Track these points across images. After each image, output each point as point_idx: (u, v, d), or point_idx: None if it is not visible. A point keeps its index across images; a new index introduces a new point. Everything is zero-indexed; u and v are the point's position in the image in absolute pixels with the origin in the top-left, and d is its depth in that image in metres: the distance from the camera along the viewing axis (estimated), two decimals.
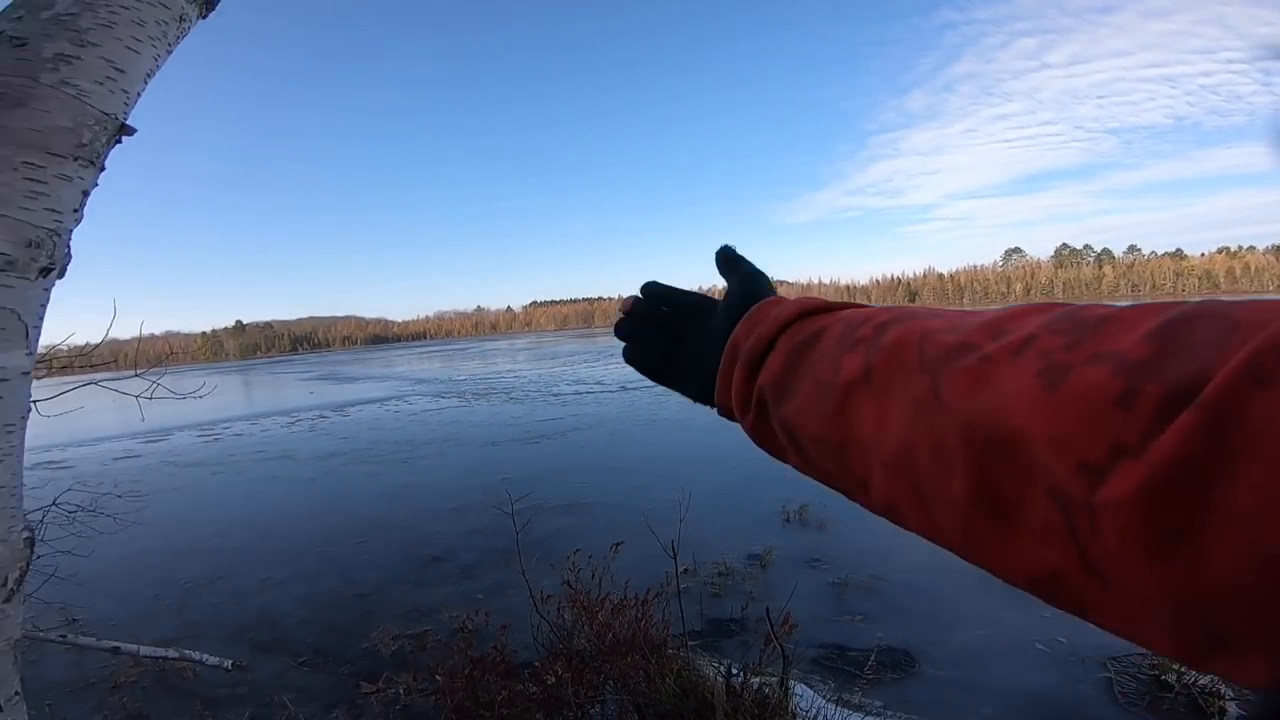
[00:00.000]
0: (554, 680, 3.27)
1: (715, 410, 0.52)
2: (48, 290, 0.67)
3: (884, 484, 0.34)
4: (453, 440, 13.95)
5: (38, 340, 0.67)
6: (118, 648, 4.18)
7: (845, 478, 0.38)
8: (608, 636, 3.55)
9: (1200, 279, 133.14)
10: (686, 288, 0.59)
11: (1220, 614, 0.21)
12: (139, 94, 0.71)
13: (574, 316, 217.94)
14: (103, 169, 0.68)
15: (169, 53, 0.73)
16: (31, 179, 0.61)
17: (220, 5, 0.82)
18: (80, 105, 0.63)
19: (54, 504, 4.06)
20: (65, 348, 3.63)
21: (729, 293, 0.54)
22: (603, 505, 8.33)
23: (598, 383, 23.82)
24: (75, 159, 0.63)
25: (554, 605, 3.95)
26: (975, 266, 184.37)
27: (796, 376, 0.41)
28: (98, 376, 3.70)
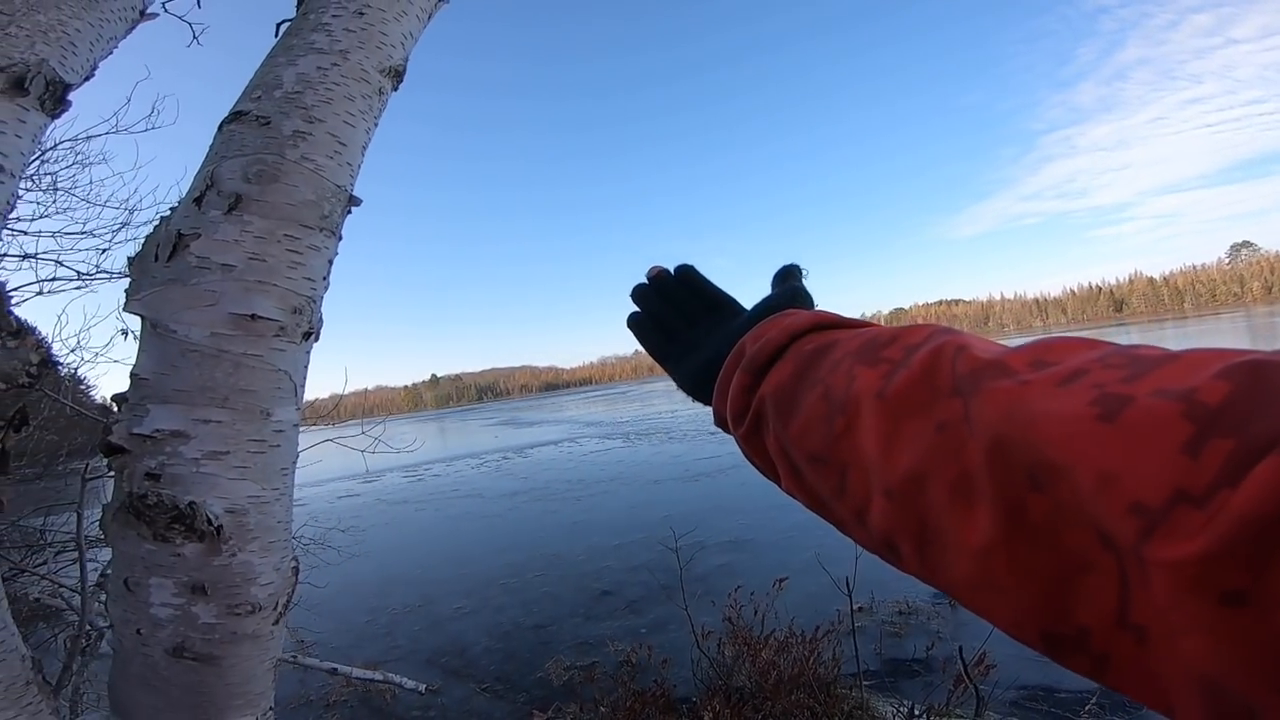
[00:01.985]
0: (711, 716, 3.24)
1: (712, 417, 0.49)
2: (308, 353, 0.76)
3: (884, 515, 0.31)
4: (619, 479, 14.37)
5: (303, 397, 0.77)
6: (335, 669, 4.74)
7: (840, 505, 0.34)
8: (771, 675, 3.44)
9: None
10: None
11: (1273, 689, 0.19)
12: (359, 166, 0.79)
13: None
14: (340, 238, 0.77)
15: (375, 125, 0.81)
16: (292, 250, 0.69)
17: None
18: (319, 179, 0.71)
19: (294, 538, 4.82)
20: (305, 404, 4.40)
21: (761, 301, 0.52)
22: (766, 542, 8.05)
23: None
24: (320, 230, 0.72)
25: (714, 641, 3.92)
26: (1194, 267, 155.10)
27: (803, 389, 0.37)
28: (330, 432, 4.39)
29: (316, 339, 0.75)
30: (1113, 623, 0.23)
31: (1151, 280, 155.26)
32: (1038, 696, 3.79)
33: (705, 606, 4.55)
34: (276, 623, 0.76)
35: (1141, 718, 3.45)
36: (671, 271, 0.58)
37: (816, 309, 0.44)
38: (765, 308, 0.50)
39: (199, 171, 0.69)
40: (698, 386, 0.51)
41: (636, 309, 0.59)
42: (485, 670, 5.49)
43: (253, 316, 0.65)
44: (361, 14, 0.76)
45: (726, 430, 0.47)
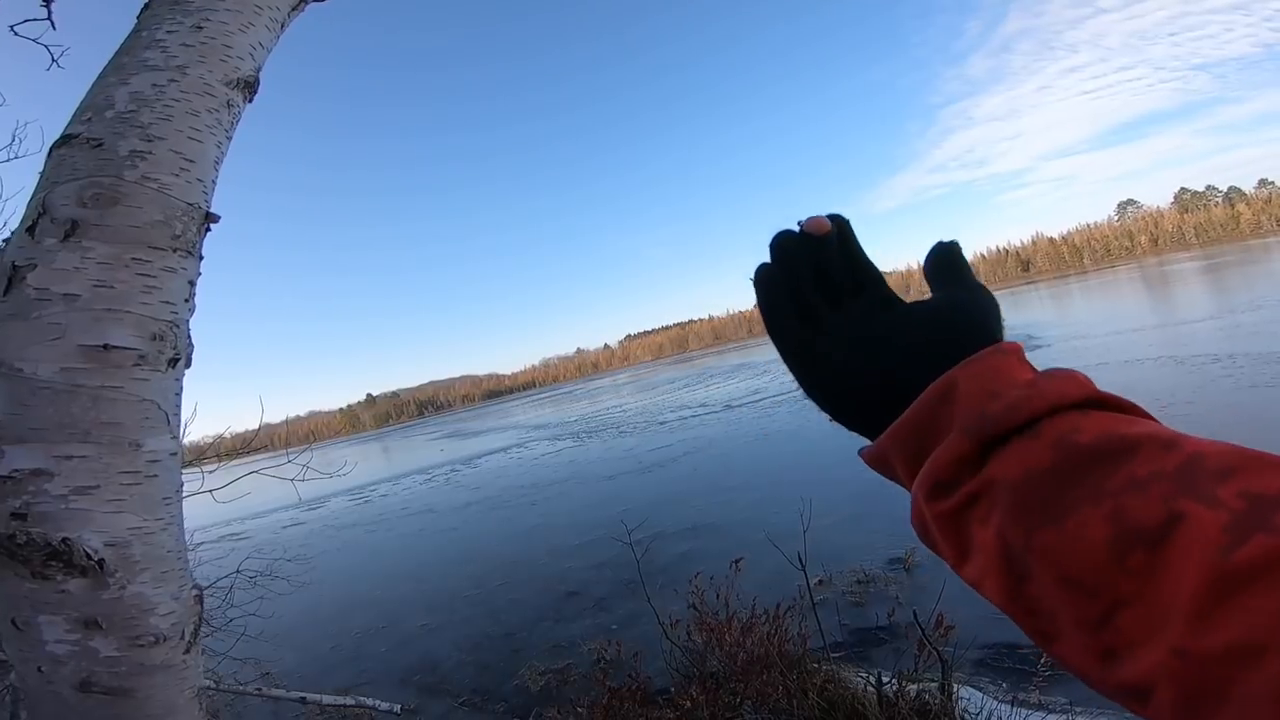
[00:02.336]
0: (690, 704, 3.25)
1: (859, 448, 0.40)
2: (179, 380, 0.73)
3: (1158, 670, 0.25)
4: (573, 479, 14.36)
5: (179, 426, 0.74)
6: (304, 698, 4.65)
7: (1080, 634, 0.28)
8: (739, 656, 3.49)
9: None
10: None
11: None
12: (213, 181, 0.76)
13: (668, 344, 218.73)
14: (201, 258, 0.74)
15: (229, 138, 0.78)
16: (143, 274, 0.66)
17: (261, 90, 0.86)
18: (165, 198, 0.68)
19: (238, 571, 4.67)
20: (229, 435, 4.24)
21: (941, 305, 0.41)
22: (723, 526, 8.23)
23: (701, 405, 23.70)
24: (174, 250, 0.69)
25: (683, 629, 3.94)
26: (1089, 225, 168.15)
27: (1074, 496, 0.29)
28: (259, 462, 4.23)
29: (188, 365, 0.73)
30: None
31: (1052, 240, 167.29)
32: (1001, 654, 3.98)
33: (671, 596, 4.63)
34: (188, 651, 0.75)
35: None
36: (832, 223, 0.44)
37: (1069, 370, 0.33)
38: (958, 326, 0.39)
39: (31, 199, 0.66)
40: (846, 405, 0.40)
41: (768, 262, 0.44)
42: (460, 684, 5.45)
43: (105, 347, 0.63)
44: (200, 28, 0.74)
45: (887, 474, 0.38)
